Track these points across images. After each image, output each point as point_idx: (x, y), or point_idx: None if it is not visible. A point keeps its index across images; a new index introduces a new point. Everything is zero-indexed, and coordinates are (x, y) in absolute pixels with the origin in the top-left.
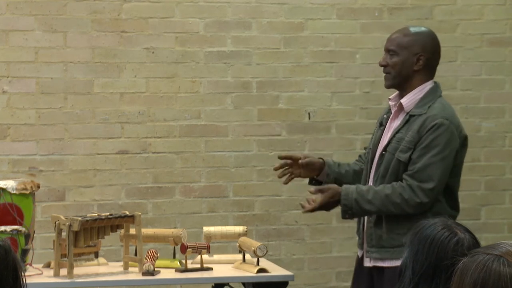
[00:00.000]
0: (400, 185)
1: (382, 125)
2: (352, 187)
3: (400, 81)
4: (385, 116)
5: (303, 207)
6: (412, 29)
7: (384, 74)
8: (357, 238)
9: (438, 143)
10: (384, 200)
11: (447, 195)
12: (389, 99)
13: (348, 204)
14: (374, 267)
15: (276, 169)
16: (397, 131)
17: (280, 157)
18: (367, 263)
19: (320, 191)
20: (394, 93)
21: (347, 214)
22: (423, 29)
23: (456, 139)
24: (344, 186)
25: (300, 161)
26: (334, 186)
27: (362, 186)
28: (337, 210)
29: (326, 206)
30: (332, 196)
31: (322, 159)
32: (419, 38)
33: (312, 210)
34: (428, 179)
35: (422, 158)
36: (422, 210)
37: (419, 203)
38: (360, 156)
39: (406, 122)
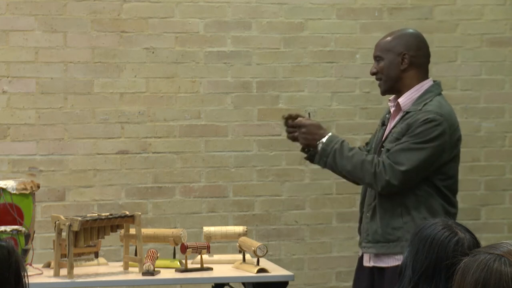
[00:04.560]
0: (378, 159)
1: (384, 124)
2: (339, 138)
3: (392, 84)
4: (387, 116)
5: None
6: (395, 32)
7: (378, 82)
8: (358, 237)
9: (424, 135)
10: (359, 164)
11: (440, 196)
12: (389, 100)
13: (327, 149)
14: (375, 267)
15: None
16: (393, 127)
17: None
18: (367, 262)
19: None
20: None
21: (321, 160)
22: (407, 30)
23: (446, 136)
24: (332, 132)
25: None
26: (324, 127)
27: (348, 144)
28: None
29: (307, 130)
30: (317, 127)
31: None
32: (400, 39)
33: (293, 124)
34: (401, 162)
35: (403, 143)
36: (389, 191)
37: (387, 180)
38: (359, 148)
39: (401, 119)
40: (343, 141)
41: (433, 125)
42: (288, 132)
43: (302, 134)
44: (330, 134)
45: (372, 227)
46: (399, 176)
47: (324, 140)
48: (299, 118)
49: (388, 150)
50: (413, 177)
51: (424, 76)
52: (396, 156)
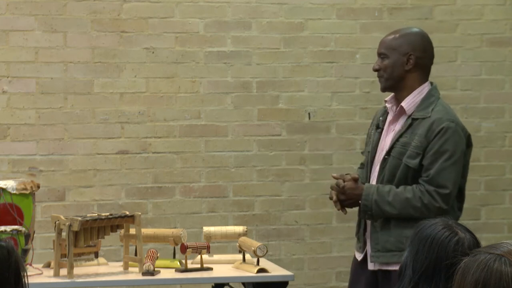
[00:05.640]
0: (419, 189)
1: (379, 127)
2: (373, 187)
3: (393, 83)
4: (381, 118)
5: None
6: (402, 31)
7: (378, 78)
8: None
9: (447, 148)
10: (405, 203)
11: (457, 196)
12: (385, 101)
13: (368, 204)
14: (380, 270)
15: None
16: (400, 135)
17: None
18: (372, 266)
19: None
20: (390, 94)
21: (367, 214)
22: (413, 29)
23: (463, 140)
24: (366, 185)
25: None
26: (360, 183)
27: (383, 187)
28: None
29: (347, 196)
30: (352, 188)
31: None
32: (408, 38)
33: (338, 196)
34: (443, 185)
35: (435, 164)
36: (441, 215)
37: (438, 207)
38: (362, 163)
39: (409, 126)
40: (378, 188)
41: (450, 134)
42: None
43: (345, 201)
44: (365, 187)
45: (383, 236)
46: (447, 199)
47: (362, 197)
48: (339, 181)
49: (407, 166)
50: (456, 192)
51: (426, 77)
52: (436, 181)
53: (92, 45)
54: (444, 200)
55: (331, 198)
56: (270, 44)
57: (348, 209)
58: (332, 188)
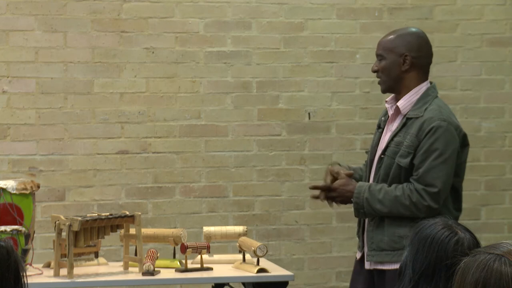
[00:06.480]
0: (409, 187)
1: (380, 127)
2: (365, 185)
3: (392, 84)
4: (382, 118)
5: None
6: (398, 31)
7: (378, 80)
8: (357, 238)
9: (437, 147)
10: (394, 202)
11: (452, 196)
12: (386, 101)
13: (359, 202)
14: (375, 269)
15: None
16: (394, 135)
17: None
18: (368, 266)
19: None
20: (391, 95)
21: (360, 212)
22: (409, 29)
23: (455, 139)
24: (359, 183)
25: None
26: (353, 181)
27: (375, 185)
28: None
29: (338, 193)
30: (345, 185)
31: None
32: (403, 39)
33: (324, 189)
34: (431, 183)
35: (424, 163)
36: (431, 213)
37: (427, 206)
38: (366, 161)
39: (403, 125)
40: (369, 186)
41: (440, 133)
42: (324, 197)
43: (337, 198)
44: (357, 185)
45: (378, 235)
46: (436, 198)
47: (354, 194)
48: (327, 181)
49: (399, 165)
50: (447, 191)
51: (424, 77)
52: (425, 179)
53: (92, 45)
54: (433, 198)
55: (316, 197)
56: (270, 44)
57: (347, 213)
58: (320, 188)
